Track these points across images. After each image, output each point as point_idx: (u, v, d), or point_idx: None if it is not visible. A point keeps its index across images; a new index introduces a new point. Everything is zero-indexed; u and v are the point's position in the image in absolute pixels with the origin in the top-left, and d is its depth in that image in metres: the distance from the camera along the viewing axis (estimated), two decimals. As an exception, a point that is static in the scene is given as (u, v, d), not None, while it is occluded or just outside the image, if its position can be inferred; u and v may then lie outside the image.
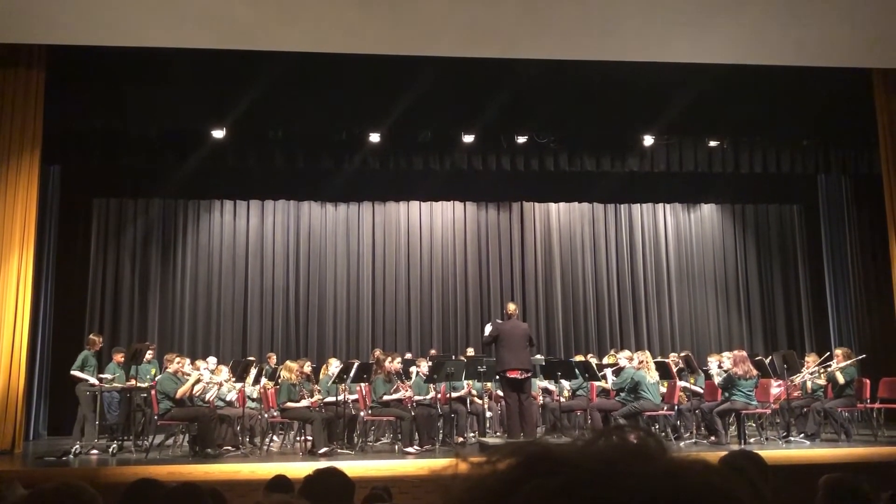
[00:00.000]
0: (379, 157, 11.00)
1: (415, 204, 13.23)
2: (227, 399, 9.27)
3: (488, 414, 9.93)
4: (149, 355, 9.68)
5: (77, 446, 8.40)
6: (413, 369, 9.72)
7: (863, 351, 10.55)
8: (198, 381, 8.69)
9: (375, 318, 12.87)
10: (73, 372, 8.97)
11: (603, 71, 9.95)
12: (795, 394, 9.48)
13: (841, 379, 9.01)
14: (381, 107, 9.83)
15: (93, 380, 8.99)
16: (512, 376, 8.38)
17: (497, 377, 8.77)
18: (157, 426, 8.60)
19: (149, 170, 11.56)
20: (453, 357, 10.54)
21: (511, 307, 8.94)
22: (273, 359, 10.96)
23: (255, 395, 9.48)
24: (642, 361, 9.00)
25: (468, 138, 10.72)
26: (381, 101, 9.85)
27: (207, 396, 8.93)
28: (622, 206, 13.60)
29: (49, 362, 10.89)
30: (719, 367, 9.10)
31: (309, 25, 8.69)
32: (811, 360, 9.58)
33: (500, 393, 9.75)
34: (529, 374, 8.58)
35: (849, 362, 9.15)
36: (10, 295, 8.87)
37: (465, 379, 9.18)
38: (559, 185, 12.86)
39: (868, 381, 9.27)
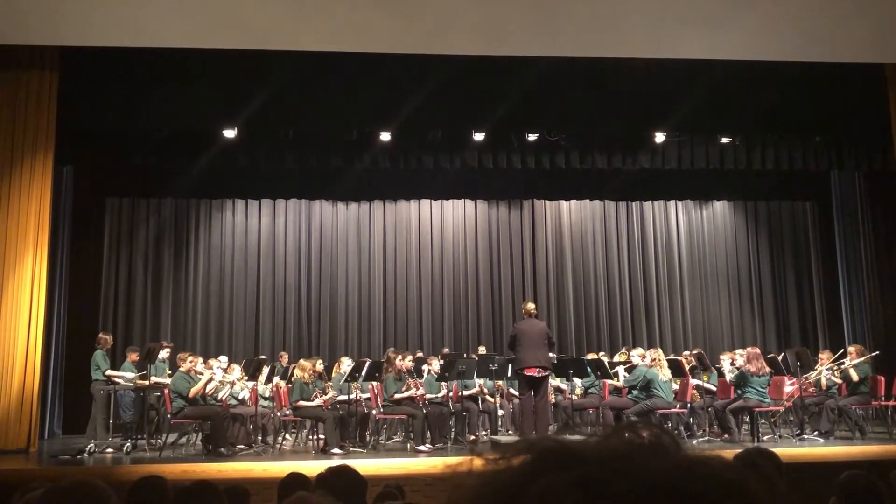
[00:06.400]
0: (390, 156, 11.01)
1: (426, 202, 13.24)
2: (240, 398, 9.31)
3: (500, 412, 9.93)
4: (165, 354, 9.72)
5: (91, 445, 8.45)
6: (425, 367, 9.73)
7: (877, 348, 10.50)
8: (210, 380, 8.73)
9: (387, 317, 12.88)
10: (108, 373, 9.02)
11: (614, 68, 9.92)
12: (809, 391, 9.43)
13: (855, 376, 8.95)
14: (392, 105, 9.83)
15: (121, 377, 9.05)
16: (529, 374, 8.43)
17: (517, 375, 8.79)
18: (170, 425, 8.65)
19: (161, 169, 11.60)
20: (465, 355, 10.54)
21: (530, 306, 8.97)
22: (285, 358, 10.98)
23: (267, 394, 9.52)
24: (655, 359, 8.97)
25: (479, 136, 10.71)
26: (391, 99, 9.85)
27: (220, 395, 8.97)
28: (634, 203, 13.56)
29: (63, 361, 10.96)
30: (732, 364, 9.05)
31: (319, 25, 8.70)
32: (825, 357, 9.53)
33: (512, 391, 9.76)
34: (547, 373, 8.58)
35: (862, 359, 9.10)
36: (25, 295, 8.94)
37: (476, 377, 9.18)
38: (570, 183, 12.83)
39: (883, 379, 9.22)
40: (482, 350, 11.34)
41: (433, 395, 9.14)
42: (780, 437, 9.03)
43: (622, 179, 12.41)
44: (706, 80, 9.83)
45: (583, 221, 13.49)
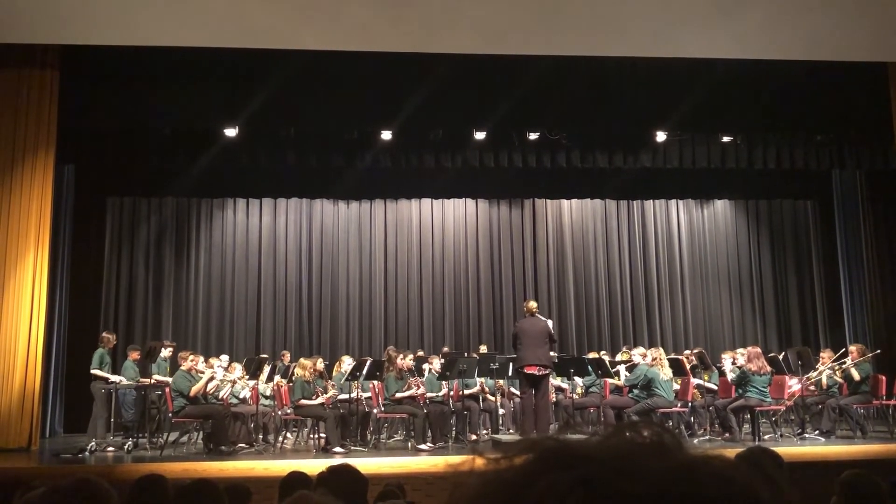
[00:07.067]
0: (391, 155, 11.01)
1: (427, 201, 13.24)
2: (241, 397, 9.31)
3: (501, 411, 9.94)
4: (167, 352, 9.72)
5: (93, 443, 8.46)
6: (426, 366, 9.74)
7: (878, 346, 10.49)
8: (211, 378, 8.73)
9: (388, 316, 12.88)
10: (92, 371, 9.02)
11: (615, 67, 9.92)
12: (810, 390, 9.43)
13: (857, 375, 8.94)
14: (393, 104, 9.84)
15: (113, 377, 9.05)
16: (529, 372, 8.43)
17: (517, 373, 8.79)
18: (171, 424, 8.65)
19: (162, 168, 11.60)
20: (466, 354, 10.54)
21: (531, 305, 8.96)
22: (287, 356, 10.98)
23: (268, 393, 9.53)
24: (655, 358, 8.97)
25: (480, 135, 10.71)
26: (392, 98, 9.86)
27: (221, 394, 8.98)
28: (635, 202, 13.55)
29: (64, 360, 10.97)
30: (733, 363, 9.05)
31: (320, 24, 8.70)
32: (826, 356, 9.53)
33: (513, 390, 9.77)
34: (548, 371, 8.59)
35: (863, 358, 9.09)
36: (26, 293, 8.94)
37: (477, 376, 9.18)
38: (571, 182, 12.83)
39: (884, 378, 9.21)
40: (483, 349, 11.35)
41: (434, 394, 9.14)
42: (781, 436, 9.03)
43: (623, 178, 12.41)
44: (707, 79, 9.83)
45: (584, 220, 13.48)
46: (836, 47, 9.26)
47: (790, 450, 7.55)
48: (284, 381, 9.44)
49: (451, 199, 13.26)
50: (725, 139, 11.21)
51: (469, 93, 10.07)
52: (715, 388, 9.52)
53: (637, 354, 9.30)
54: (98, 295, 11.90)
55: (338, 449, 8.03)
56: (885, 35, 9.08)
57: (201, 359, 9.09)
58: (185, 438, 9.09)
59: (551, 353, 8.79)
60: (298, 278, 12.80)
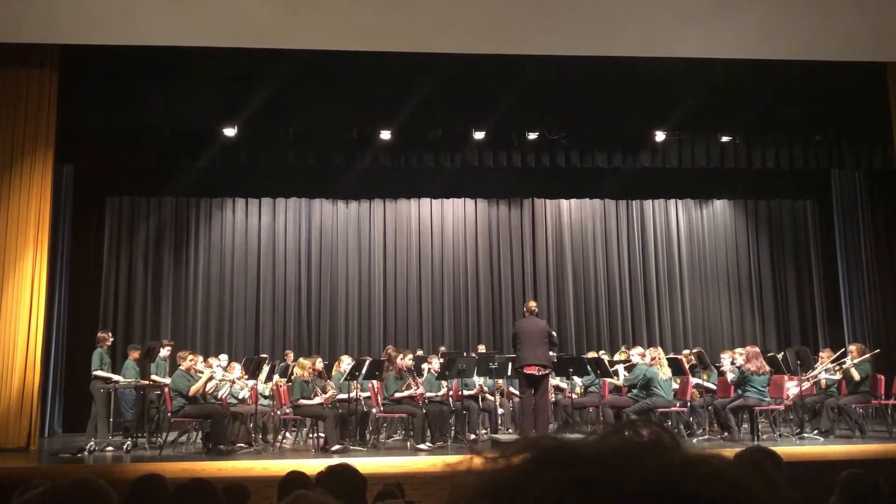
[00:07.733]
0: (390, 155, 11.01)
1: (426, 201, 13.23)
2: (240, 396, 9.31)
3: (500, 411, 9.93)
4: (166, 352, 9.71)
5: (92, 443, 8.46)
6: (425, 366, 9.73)
7: (877, 346, 10.50)
8: (210, 378, 8.72)
9: (387, 315, 12.88)
10: (95, 372, 8.98)
11: (614, 67, 9.92)
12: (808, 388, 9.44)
13: (857, 375, 8.94)
14: (392, 104, 9.83)
15: (116, 377, 9.04)
16: (529, 372, 8.44)
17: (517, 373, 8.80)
18: (170, 423, 8.65)
19: (161, 168, 11.60)
20: (465, 354, 10.54)
21: (531, 304, 8.99)
22: (290, 356, 10.97)
23: (267, 393, 9.52)
24: (655, 358, 8.97)
25: (479, 135, 10.70)
26: (392, 98, 9.85)
27: (220, 394, 8.97)
28: (634, 202, 13.55)
29: (63, 359, 10.96)
30: (732, 363, 9.05)
31: (320, 23, 8.70)
32: (825, 355, 9.53)
33: (512, 390, 9.77)
34: (547, 371, 8.59)
35: (863, 358, 9.09)
36: (25, 293, 8.94)
37: (476, 376, 9.18)
38: (571, 182, 12.83)
39: (882, 378, 9.22)
40: (482, 349, 11.35)
41: (433, 394, 9.14)
42: (780, 435, 9.04)
43: (622, 178, 12.42)
44: (706, 79, 9.83)
45: (583, 220, 13.48)
46: (836, 47, 9.26)
47: (789, 449, 7.55)
48: (283, 381, 9.43)
49: (451, 199, 13.25)
50: (724, 139, 11.21)
51: (468, 93, 10.07)
52: (714, 387, 9.52)
53: (636, 354, 9.31)
54: (97, 294, 11.90)
55: (337, 448, 8.03)
56: (885, 35, 9.09)
57: (200, 358, 9.08)
58: (184, 438, 9.09)
59: (550, 354, 8.80)
60: (298, 278, 12.80)
